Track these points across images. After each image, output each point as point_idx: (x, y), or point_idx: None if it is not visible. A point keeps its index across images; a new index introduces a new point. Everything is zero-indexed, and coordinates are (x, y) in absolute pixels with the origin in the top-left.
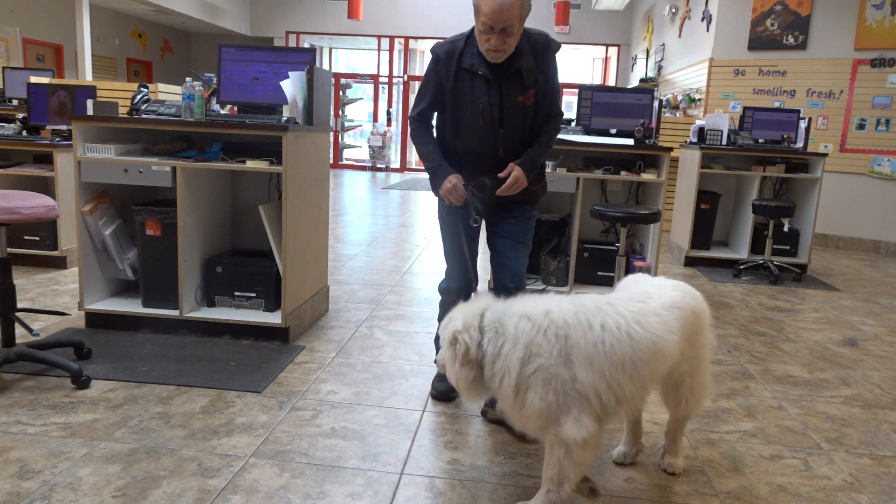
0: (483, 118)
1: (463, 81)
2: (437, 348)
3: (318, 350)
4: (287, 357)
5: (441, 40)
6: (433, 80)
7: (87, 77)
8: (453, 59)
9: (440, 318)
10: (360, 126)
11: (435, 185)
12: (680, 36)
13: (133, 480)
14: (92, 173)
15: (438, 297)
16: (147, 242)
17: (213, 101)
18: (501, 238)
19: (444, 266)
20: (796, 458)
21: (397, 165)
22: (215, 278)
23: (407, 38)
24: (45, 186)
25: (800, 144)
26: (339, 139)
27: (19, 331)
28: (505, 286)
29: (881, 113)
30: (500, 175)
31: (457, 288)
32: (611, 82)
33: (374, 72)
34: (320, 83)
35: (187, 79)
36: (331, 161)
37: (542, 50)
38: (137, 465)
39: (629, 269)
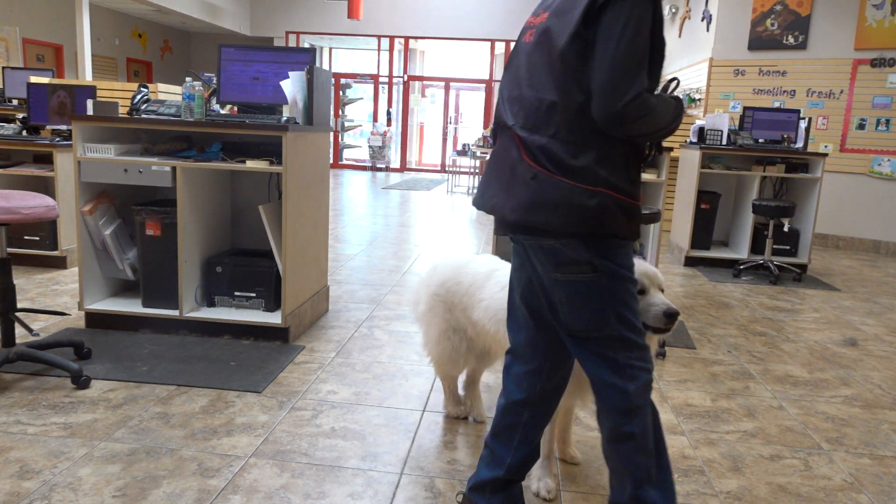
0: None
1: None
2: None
3: (318, 350)
4: (287, 357)
5: None
6: (650, 28)
7: (87, 77)
8: None
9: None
10: (360, 126)
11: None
12: (680, 36)
13: (133, 480)
14: (92, 173)
15: None
16: (147, 242)
17: (213, 101)
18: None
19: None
20: (796, 458)
21: (397, 165)
22: (215, 278)
23: (407, 38)
24: (45, 186)
25: (800, 144)
26: (339, 139)
27: (19, 331)
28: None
29: (881, 113)
30: None
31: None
32: None
33: (374, 72)
34: (320, 83)
35: (187, 79)
36: (331, 161)
37: None
38: (137, 465)
39: None
